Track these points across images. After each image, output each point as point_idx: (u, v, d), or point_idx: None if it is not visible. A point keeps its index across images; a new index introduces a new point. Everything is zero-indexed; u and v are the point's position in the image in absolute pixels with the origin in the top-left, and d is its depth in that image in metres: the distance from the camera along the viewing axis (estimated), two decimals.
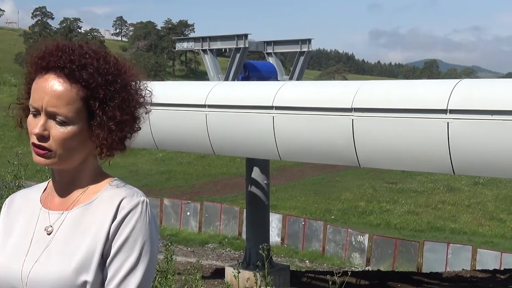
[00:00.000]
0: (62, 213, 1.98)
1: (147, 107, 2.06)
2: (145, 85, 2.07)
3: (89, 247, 1.89)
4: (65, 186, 2.01)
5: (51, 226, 1.96)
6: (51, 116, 1.89)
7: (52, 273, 1.88)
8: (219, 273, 20.11)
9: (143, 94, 2.04)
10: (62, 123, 1.88)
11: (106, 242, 1.89)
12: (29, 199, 2.09)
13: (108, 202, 1.94)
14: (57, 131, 1.89)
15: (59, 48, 1.95)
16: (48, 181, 2.10)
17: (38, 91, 1.90)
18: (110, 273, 1.89)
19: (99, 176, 2.03)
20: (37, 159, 1.93)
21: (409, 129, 10.71)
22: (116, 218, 1.90)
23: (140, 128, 2.06)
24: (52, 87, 1.89)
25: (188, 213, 32.74)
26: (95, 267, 1.88)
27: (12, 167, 7.16)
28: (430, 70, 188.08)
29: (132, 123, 1.99)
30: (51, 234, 1.95)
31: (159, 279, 5.59)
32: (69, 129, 1.89)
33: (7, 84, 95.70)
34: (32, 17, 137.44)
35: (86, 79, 1.89)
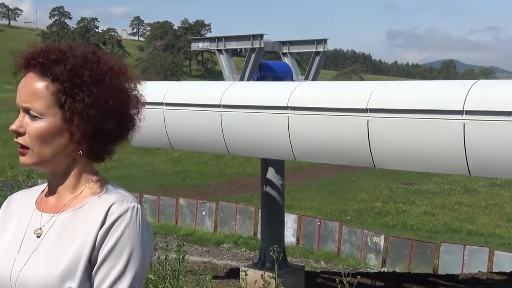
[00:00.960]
0: (53, 215, 1.96)
1: (135, 108, 2.01)
2: (133, 84, 2.02)
3: (76, 253, 1.86)
4: (57, 189, 2.00)
5: (40, 229, 1.95)
6: (26, 111, 1.92)
7: (38, 277, 1.86)
8: (233, 273, 20.10)
9: (128, 95, 2.00)
10: (35, 118, 1.90)
11: (93, 249, 1.86)
12: (26, 200, 2.09)
13: (98, 207, 1.91)
14: (31, 126, 1.91)
15: (40, 48, 1.97)
16: (46, 184, 2.09)
17: (18, 90, 1.96)
18: (96, 281, 1.86)
19: (94, 180, 2.00)
20: (20, 159, 1.96)
21: (425, 130, 10.64)
22: (104, 224, 1.87)
23: (127, 130, 2.00)
24: (27, 83, 1.94)
25: (203, 213, 32.78)
26: (80, 274, 1.85)
27: (25, 167, 7.17)
28: (447, 70, 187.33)
29: (101, 120, 1.92)
30: (40, 237, 1.93)
31: (171, 280, 5.57)
32: (41, 123, 1.90)
33: None
34: (50, 17, 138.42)
35: (55, 73, 1.90)
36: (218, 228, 32.02)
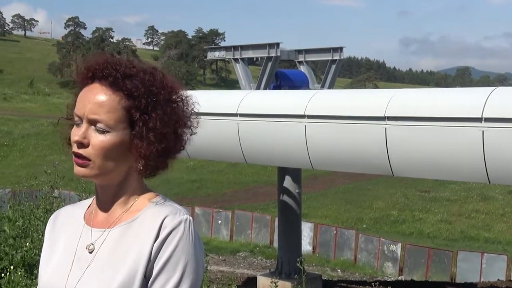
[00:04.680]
0: (104, 230, 1.95)
1: (192, 127, 2.04)
2: (193, 106, 2.05)
3: (131, 268, 1.86)
4: (107, 203, 1.99)
5: (93, 244, 1.94)
6: (92, 123, 1.89)
7: None
8: (250, 282, 20.05)
9: (188, 114, 2.03)
10: (102, 131, 1.88)
11: (148, 262, 1.86)
12: (73, 215, 2.08)
13: (151, 220, 1.91)
14: (97, 139, 1.88)
15: (106, 60, 1.95)
16: (92, 198, 2.09)
17: (82, 100, 1.91)
18: None
19: (142, 193, 2.00)
20: (76, 169, 1.92)
21: (444, 138, 10.59)
22: (158, 237, 1.87)
23: (183, 148, 2.04)
24: (96, 95, 1.89)
25: (219, 222, 32.77)
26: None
27: (48, 177, 7.23)
28: (462, 77, 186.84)
29: (173, 138, 1.96)
30: (92, 253, 1.93)
31: None
32: (108, 137, 1.88)
33: (40, 94, 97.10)
34: (65, 27, 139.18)
35: (129, 88, 1.89)
36: (234, 237, 32.00)
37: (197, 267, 1.89)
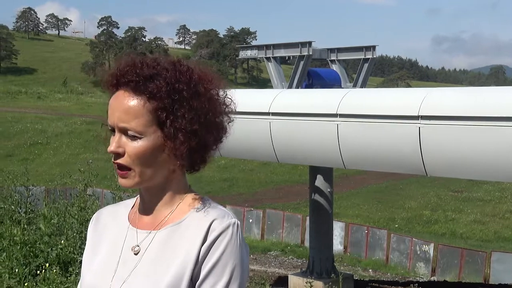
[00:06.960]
0: (150, 232, 1.93)
1: (227, 116, 1.97)
2: (225, 94, 1.98)
3: (178, 270, 1.84)
4: (152, 204, 1.96)
5: (138, 246, 1.92)
6: (124, 132, 1.87)
7: None
8: (282, 281, 20.04)
9: (221, 103, 1.95)
10: (134, 138, 1.86)
11: (195, 266, 1.84)
12: (117, 215, 2.06)
13: (198, 223, 1.88)
14: (131, 146, 1.86)
15: (128, 64, 1.92)
16: (136, 198, 2.07)
17: (110, 109, 1.90)
18: None
19: (187, 195, 1.97)
20: (120, 181, 1.92)
21: (479, 137, 10.46)
22: (206, 240, 1.85)
23: (221, 138, 1.96)
24: (121, 102, 1.87)
25: (250, 220, 32.81)
26: None
27: (82, 175, 7.28)
28: (496, 76, 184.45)
29: (205, 132, 1.89)
30: (138, 254, 1.91)
31: None
32: (141, 143, 1.86)
33: (74, 92, 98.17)
34: (97, 27, 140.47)
35: (151, 90, 1.85)
36: (265, 236, 32.02)
37: (244, 271, 1.87)
